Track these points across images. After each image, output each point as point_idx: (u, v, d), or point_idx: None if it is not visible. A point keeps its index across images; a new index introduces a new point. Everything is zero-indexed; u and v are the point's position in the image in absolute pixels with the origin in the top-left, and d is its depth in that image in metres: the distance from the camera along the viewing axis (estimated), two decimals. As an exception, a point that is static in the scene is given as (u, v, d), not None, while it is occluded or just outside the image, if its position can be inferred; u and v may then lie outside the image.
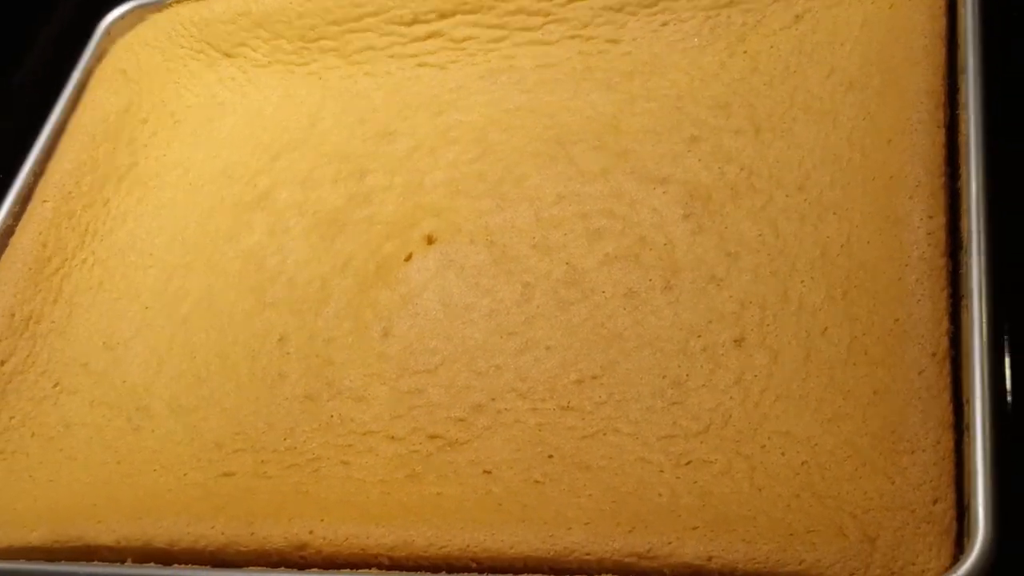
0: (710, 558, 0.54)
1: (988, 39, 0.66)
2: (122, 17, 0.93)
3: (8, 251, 0.81)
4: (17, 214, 0.83)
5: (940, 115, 0.64)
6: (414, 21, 0.84)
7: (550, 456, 0.62)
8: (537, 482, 0.61)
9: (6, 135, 0.94)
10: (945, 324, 0.57)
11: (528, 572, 0.57)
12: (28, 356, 0.77)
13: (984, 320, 0.56)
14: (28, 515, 0.67)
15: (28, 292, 0.79)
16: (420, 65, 0.84)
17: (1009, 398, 0.59)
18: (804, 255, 0.64)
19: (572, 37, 0.80)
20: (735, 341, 0.63)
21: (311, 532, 0.60)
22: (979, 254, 0.58)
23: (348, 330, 0.71)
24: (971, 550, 0.51)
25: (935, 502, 0.53)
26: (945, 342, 0.57)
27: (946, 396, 0.55)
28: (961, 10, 0.67)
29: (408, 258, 0.73)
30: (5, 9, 1.07)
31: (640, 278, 0.67)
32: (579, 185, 0.73)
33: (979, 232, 0.59)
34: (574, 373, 0.65)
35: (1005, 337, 0.60)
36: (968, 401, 0.54)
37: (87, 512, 0.66)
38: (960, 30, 0.67)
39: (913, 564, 0.52)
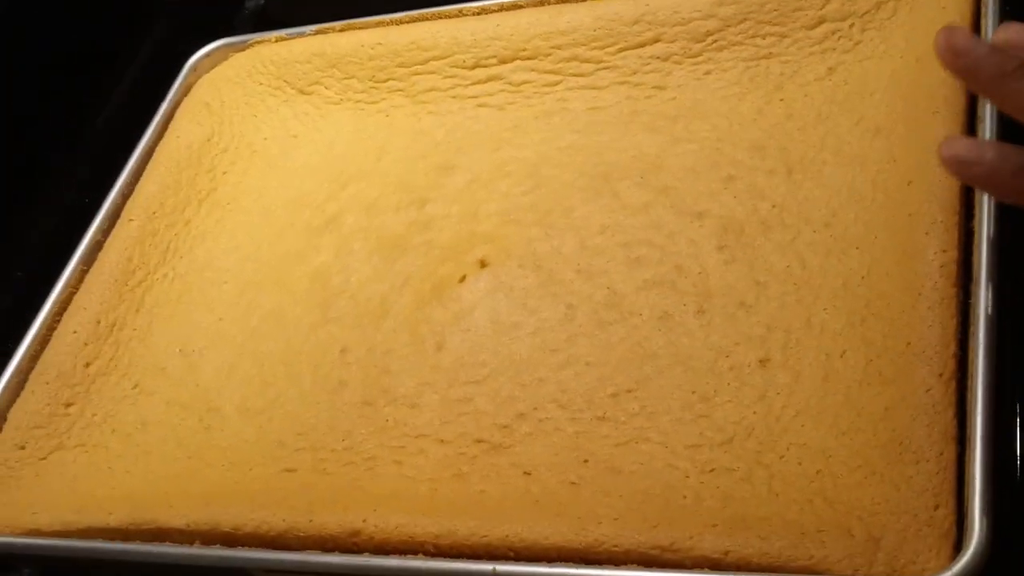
0: (727, 552, 0.58)
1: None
2: (207, 55, 1.00)
3: (96, 263, 0.87)
4: (106, 230, 0.89)
5: (958, 160, 0.68)
6: (476, 65, 0.90)
7: (585, 461, 0.67)
8: (573, 483, 0.66)
9: (99, 160, 1.02)
10: (953, 348, 0.61)
11: (561, 560, 0.61)
12: (111, 359, 0.83)
13: (988, 344, 0.60)
14: (107, 501, 0.73)
15: (113, 301, 0.85)
16: (480, 106, 0.89)
17: (1018, 420, 0.63)
18: (827, 285, 0.69)
19: (621, 83, 0.86)
20: (760, 361, 0.68)
21: (364, 520, 0.65)
22: (987, 286, 0.62)
23: (405, 343, 0.76)
24: (967, 551, 0.54)
25: (936, 508, 0.57)
26: (952, 364, 0.60)
27: (950, 412, 0.59)
28: (982, 65, 0.72)
29: (462, 279, 0.78)
30: (100, 46, 1.15)
31: (675, 302, 0.72)
32: (622, 217, 0.78)
33: (988, 266, 0.63)
34: (611, 387, 0.70)
35: (1018, 366, 0.65)
36: (970, 417, 0.58)
37: (160, 499, 0.71)
38: (980, 83, 0.71)
39: (914, 563, 0.56)
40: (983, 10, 0.75)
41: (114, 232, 0.89)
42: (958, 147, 0.54)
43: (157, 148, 0.95)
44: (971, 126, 0.70)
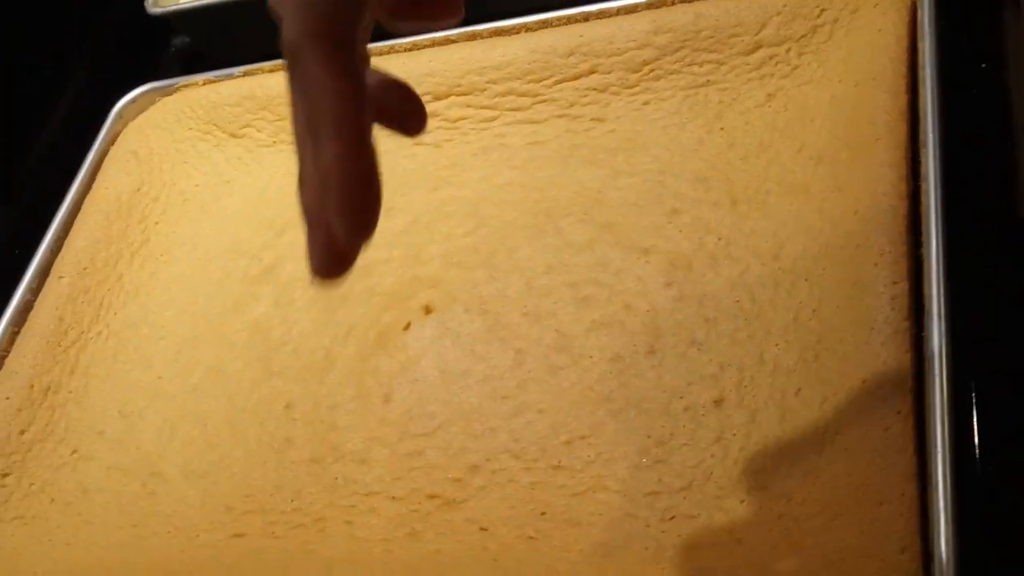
0: (693, 607, 0.58)
1: (947, 115, 0.70)
2: (133, 101, 0.97)
3: (27, 324, 0.84)
4: (36, 289, 0.87)
5: (903, 187, 0.67)
6: (410, 102, 0.88)
7: (543, 513, 0.65)
8: (531, 538, 0.65)
9: (25, 214, 0.99)
10: (909, 383, 0.60)
11: (522, 622, 0.60)
12: (47, 425, 0.80)
13: (945, 379, 0.59)
14: (48, 577, 0.71)
15: (46, 364, 0.82)
16: (416, 144, 0.87)
17: (976, 452, 0.63)
18: (778, 320, 0.68)
19: (560, 116, 0.84)
20: (715, 402, 0.67)
21: (318, 589, 0.64)
22: (940, 317, 0.61)
23: (351, 396, 0.75)
24: (935, 595, 0.54)
25: (903, 551, 0.56)
26: (909, 400, 0.60)
27: (910, 450, 0.58)
28: (921, 88, 0.71)
29: (407, 327, 0.77)
30: (20, 92, 1.11)
31: (625, 343, 0.71)
32: (567, 256, 0.76)
33: (940, 296, 0.62)
34: (564, 434, 0.68)
35: (972, 395, 0.64)
36: (931, 455, 0.58)
37: (104, 572, 0.70)
38: (921, 106, 0.70)
39: (883, 609, 0.55)
40: (919, 32, 0.74)
41: (44, 290, 0.87)
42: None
43: (85, 200, 0.92)
44: (914, 151, 0.70)
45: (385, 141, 0.88)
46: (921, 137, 0.69)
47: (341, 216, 0.40)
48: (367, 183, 0.41)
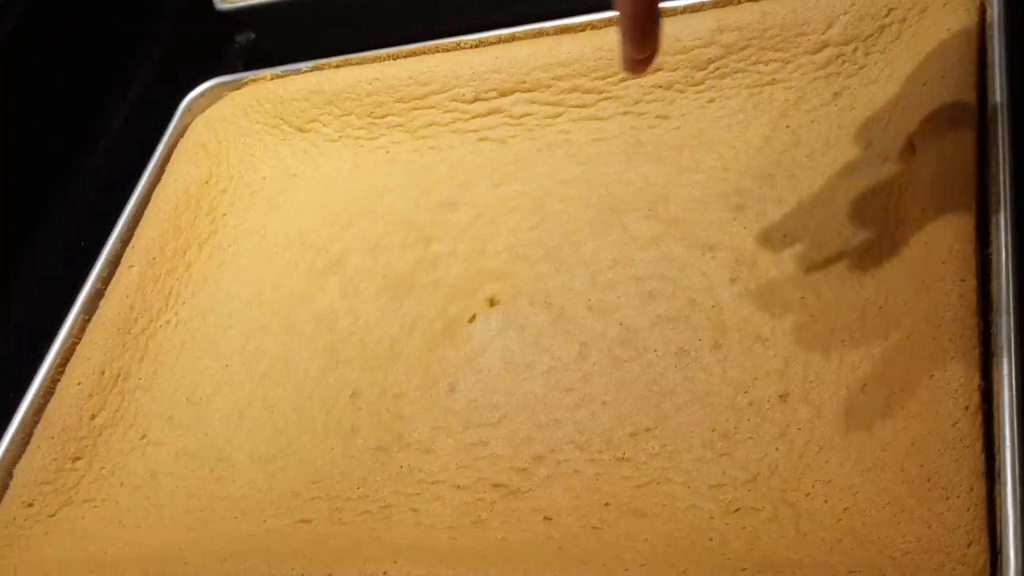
0: (759, 597, 0.58)
1: (1017, 113, 0.70)
2: (202, 95, 0.99)
3: (98, 312, 0.86)
4: (106, 278, 0.88)
5: (972, 184, 0.68)
6: (475, 99, 0.89)
7: (607, 504, 0.66)
8: (595, 528, 0.65)
9: (96, 206, 1.01)
10: (977, 380, 0.60)
11: (589, 609, 0.60)
12: (117, 410, 0.82)
13: (1014, 375, 0.59)
14: (119, 558, 0.72)
15: (116, 351, 0.84)
16: (481, 140, 0.89)
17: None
18: (844, 316, 0.68)
19: (624, 113, 0.85)
20: (780, 396, 0.67)
21: (385, 573, 0.64)
22: (1008, 314, 0.61)
23: (416, 386, 0.76)
24: (1003, 589, 0.54)
25: (969, 545, 0.56)
26: (977, 396, 0.60)
27: (978, 446, 0.58)
28: (991, 86, 0.71)
29: (472, 319, 0.78)
30: (91, 86, 1.14)
31: (690, 337, 0.71)
32: (632, 251, 0.77)
33: (1008, 293, 0.62)
34: (629, 426, 0.69)
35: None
36: (999, 450, 0.58)
37: (174, 555, 0.70)
38: (989, 105, 0.70)
39: (949, 603, 0.55)
40: (988, 31, 0.74)
41: (115, 279, 0.88)
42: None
43: (155, 191, 0.94)
44: (982, 148, 0.70)
45: (449, 137, 0.90)
46: (990, 136, 0.70)
47: (626, 38, 0.59)
48: (644, 16, 0.58)
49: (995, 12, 0.74)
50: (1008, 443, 0.57)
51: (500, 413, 0.72)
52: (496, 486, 0.69)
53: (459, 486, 0.70)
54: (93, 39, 1.16)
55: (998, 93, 0.70)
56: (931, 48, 0.76)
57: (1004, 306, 0.62)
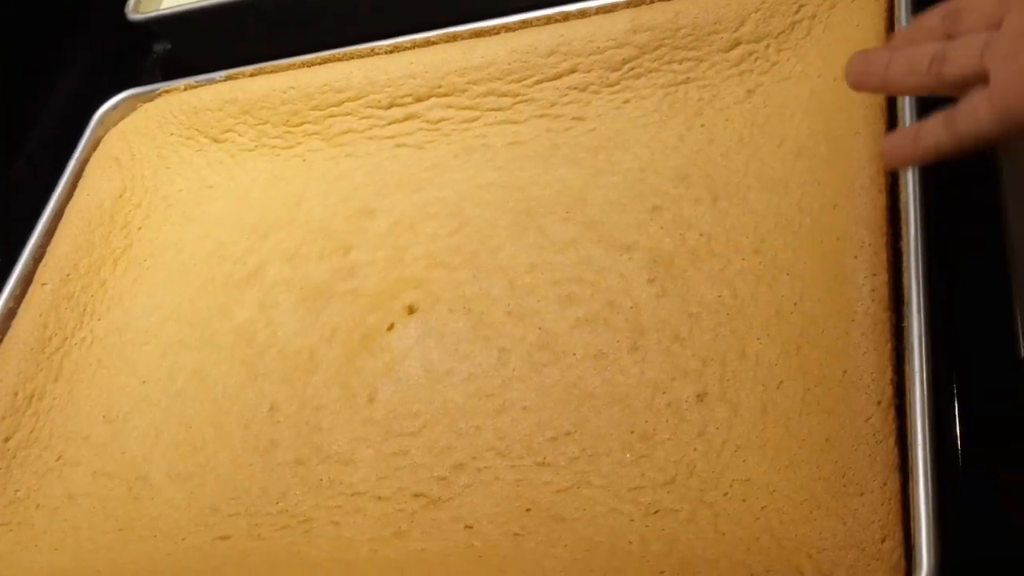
0: (677, 600, 0.58)
1: (925, 109, 0.70)
2: (115, 107, 0.97)
3: (11, 332, 0.84)
4: (19, 297, 0.86)
5: (882, 180, 0.68)
6: (391, 105, 0.88)
7: (528, 510, 0.66)
8: (516, 534, 0.65)
9: (6, 222, 0.99)
10: (889, 374, 0.61)
11: (508, 618, 0.60)
12: (31, 432, 0.80)
13: (925, 369, 0.60)
14: (35, 583, 0.71)
15: (30, 371, 0.82)
16: (398, 146, 0.88)
17: (958, 442, 0.63)
18: (760, 314, 0.68)
19: (540, 116, 0.85)
20: (698, 396, 0.67)
21: (303, 588, 0.64)
22: (919, 308, 0.62)
23: (336, 397, 0.75)
24: (917, 584, 0.54)
25: (883, 540, 0.56)
26: (890, 391, 0.60)
27: (891, 441, 0.58)
28: (899, 82, 0.72)
29: (391, 328, 0.77)
30: (2, 100, 1.11)
31: (608, 340, 0.71)
32: (550, 254, 0.76)
33: (919, 288, 0.63)
34: (549, 431, 0.68)
35: (953, 384, 0.65)
36: (911, 445, 0.58)
37: (91, 577, 0.70)
38: (899, 101, 0.71)
39: (865, 599, 0.55)
40: (896, 27, 0.74)
41: (27, 298, 0.86)
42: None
43: (68, 207, 0.92)
44: (892, 144, 0.70)
45: (366, 143, 0.89)
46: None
47: None
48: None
49: (902, 7, 0.74)
50: (920, 438, 0.58)
51: (420, 422, 0.72)
52: (417, 496, 0.69)
53: (379, 497, 0.69)
54: (5, 53, 1.14)
55: (906, 87, 0.70)
56: (841, 43, 0.76)
57: (915, 300, 0.62)
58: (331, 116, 0.90)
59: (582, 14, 0.85)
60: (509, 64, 0.86)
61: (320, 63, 0.92)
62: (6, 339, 0.84)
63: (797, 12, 0.80)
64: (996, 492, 0.62)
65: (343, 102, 0.90)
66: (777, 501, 0.61)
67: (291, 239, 0.85)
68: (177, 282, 0.86)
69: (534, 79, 0.85)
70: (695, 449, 0.65)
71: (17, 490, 0.78)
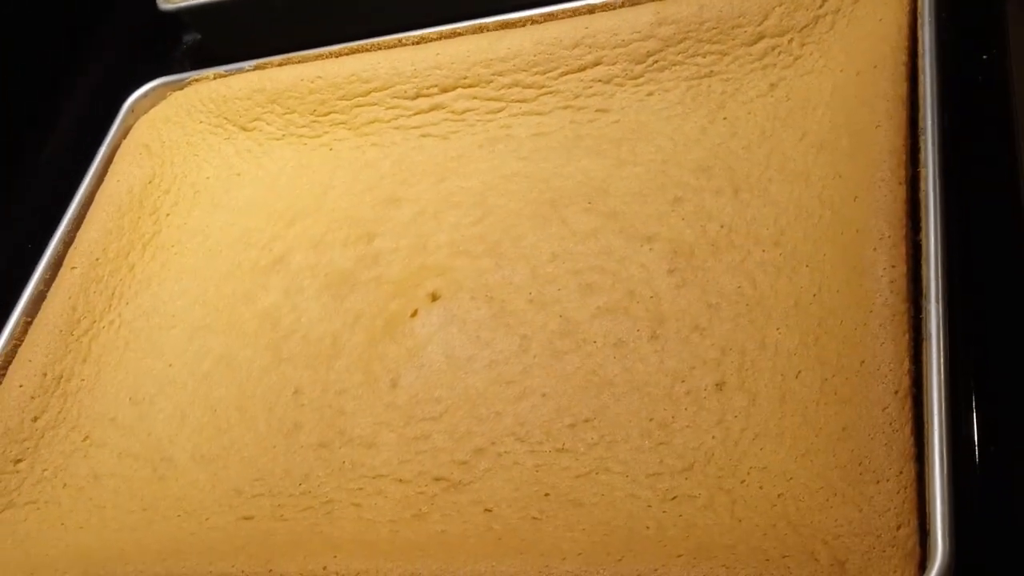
0: (693, 582, 0.58)
1: (945, 102, 0.70)
2: (145, 95, 0.99)
3: (40, 314, 0.86)
4: (48, 280, 0.88)
5: (902, 172, 0.68)
6: (417, 95, 0.89)
7: (546, 494, 0.66)
8: (534, 518, 0.66)
9: (39, 208, 1.00)
10: (907, 364, 0.61)
11: (526, 599, 0.61)
12: (59, 412, 0.81)
13: (942, 359, 0.60)
14: (60, 560, 0.71)
15: (59, 352, 0.83)
16: (423, 136, 0.89)
17: (975, 432, 0.64)
18: (779, 305, 0.69)
19: (564, 107, 0.85)
20: (716, 385, 0.67)
21: (325, 568, 0.64)
22: (937, 300, 0.62)
23: (358, 382, 0.76)
24: (931, 570, 0.54)
25: (899, 528, 0.57)
26: (907, 381, 0.60)
27: (908, 430, 0.59)
28: (921, 76, 0.72)
29: (414, 314, 0.78)
30: (33, 88, 1.13)
31: (628, 328, 0.72)
32: (572, 244, 0.77)
33: (937, 280, 0.63)
34: (568, 417, 0.69)
35: (970, 376, 0.65)
36: (928, 434, 0.58)
37: (115, 555, 0.70)
38: (920, 94, 0.71)
39: (879, 584, 0.56)
40: (919, 21, 0.75)
41: (57, 281, 0.88)
42: None
43: (98, 193, 0.93)
44: (913, 137, 0.71)
45: (392, 133, 0.90)
46: (920, 124, 0.70)
47: None
48: None
49: (926, 2, 0.75)
50: (936, 427, 0.58)
51: (442, 407, 0.73)
52: (437, 479, 0.69)
53: (401, 480, 0.70)
54: (38, 42, 1.15)
55: (928, 82, 0.71)
56: (864, 38, 0.77)
57: (933, 292, 0.63)
58: (358, 106, 0.91)
59: (607, 7, 0.86)
60: (534, 56, 0.86)
61: (347, 53, 0.93)
62: (36, 321, 0.85)
63: (821, 7, 0.80)
64: (1013, 484, 0.62)
65: (370, 92, 0.91)
66: (794, 488, 0.61)
67: (317, 226, 0.86)
68: (204, 267, 0.88)
69: (559, 71, 0.86)
70: (713, 437, 0.65)
71: (44, 469, 0.79)
